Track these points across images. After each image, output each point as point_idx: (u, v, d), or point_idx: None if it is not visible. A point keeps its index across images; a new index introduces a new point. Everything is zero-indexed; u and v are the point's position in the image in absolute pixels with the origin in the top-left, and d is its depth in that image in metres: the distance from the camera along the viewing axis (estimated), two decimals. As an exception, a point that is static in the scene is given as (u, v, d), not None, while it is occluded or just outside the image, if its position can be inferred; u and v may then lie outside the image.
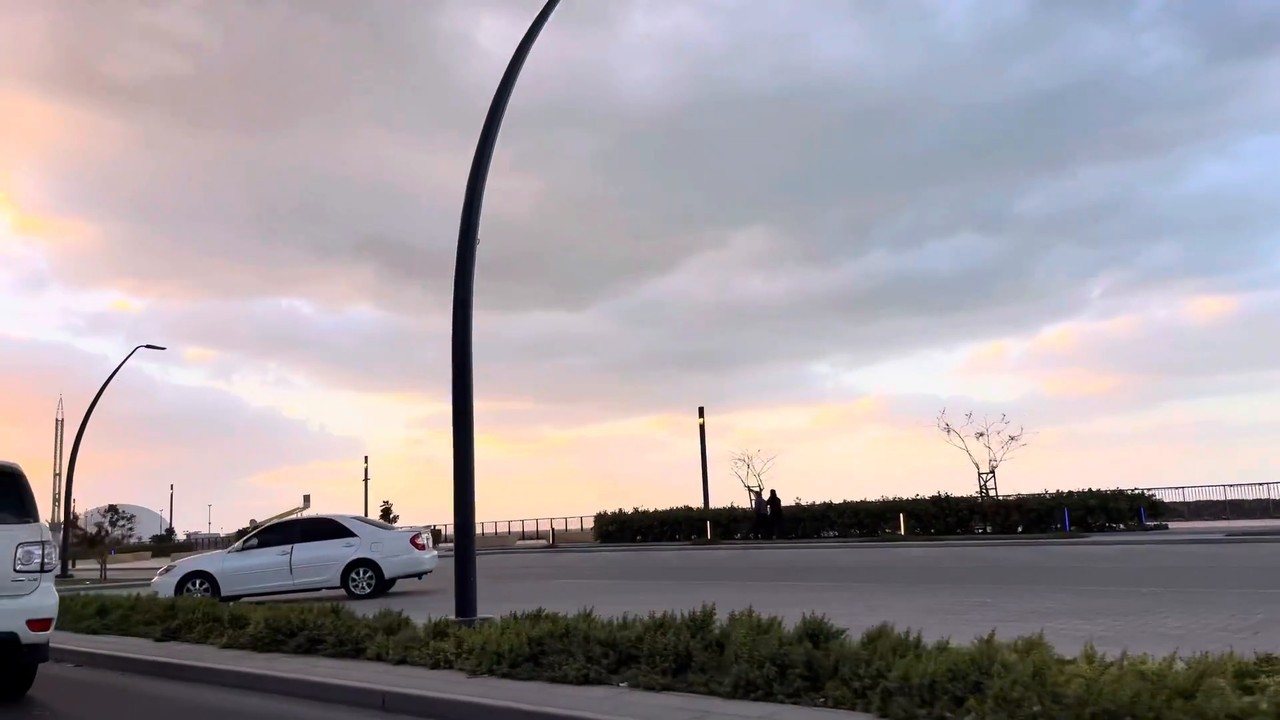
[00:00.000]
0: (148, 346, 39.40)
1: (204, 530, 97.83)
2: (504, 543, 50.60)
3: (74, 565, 35.78)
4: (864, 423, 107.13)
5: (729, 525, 36.56)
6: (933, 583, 14.82)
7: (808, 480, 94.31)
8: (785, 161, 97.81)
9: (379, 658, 8.59)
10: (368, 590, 17.04)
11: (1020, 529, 29.50)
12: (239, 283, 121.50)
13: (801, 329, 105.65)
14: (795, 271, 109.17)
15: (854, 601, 11.37)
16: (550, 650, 7.42)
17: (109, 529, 29.10)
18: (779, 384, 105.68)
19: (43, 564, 7.81)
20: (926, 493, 32.33)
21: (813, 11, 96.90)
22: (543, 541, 47.70)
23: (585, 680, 6.88)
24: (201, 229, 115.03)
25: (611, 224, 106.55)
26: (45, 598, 7.83)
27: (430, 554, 17.94)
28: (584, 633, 7.49)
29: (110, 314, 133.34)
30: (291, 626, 9.78)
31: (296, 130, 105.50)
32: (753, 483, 37.63)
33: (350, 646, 9.00)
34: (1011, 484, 38.71)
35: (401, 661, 8.36)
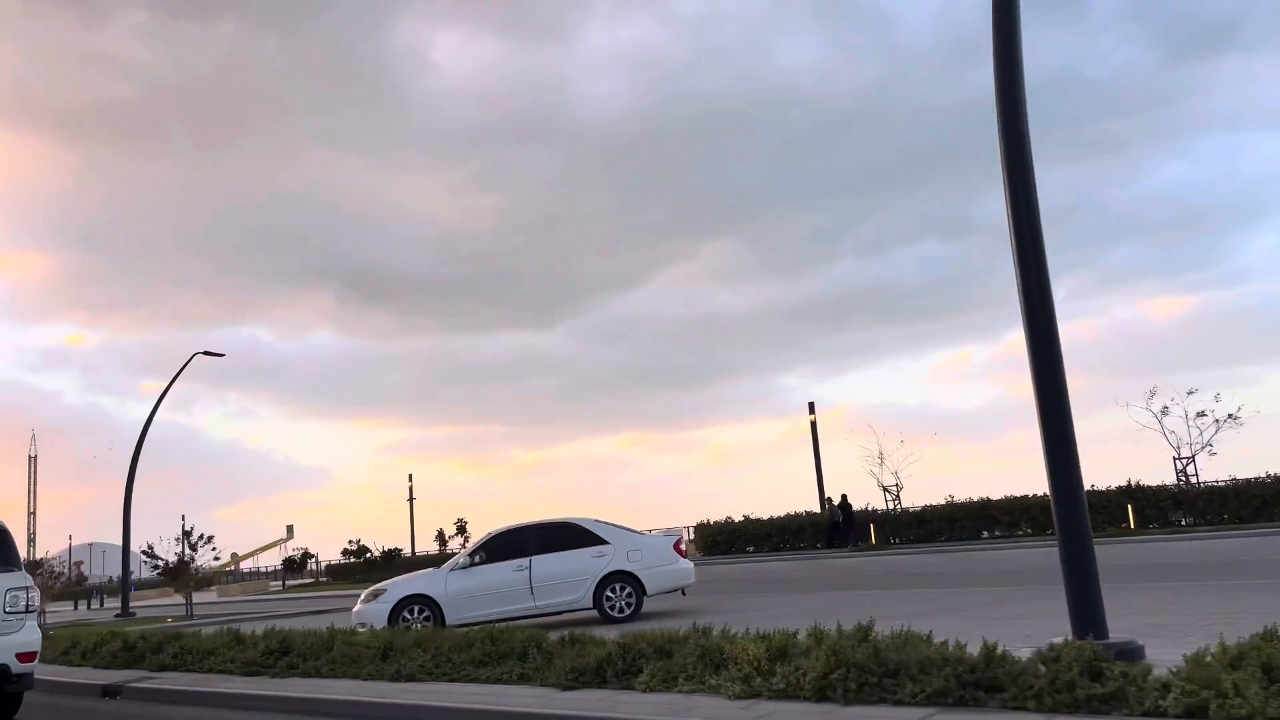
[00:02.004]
0: (205, 354, 35.78)
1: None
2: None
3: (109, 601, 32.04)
4: (834, 434, 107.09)
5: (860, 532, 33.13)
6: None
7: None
8: (750, 172, 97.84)
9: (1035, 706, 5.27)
10: (627, 611, 13.63)
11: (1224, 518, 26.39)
12: (196, 312, 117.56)
13: (770, 341, 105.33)
14: (763, 283, 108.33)
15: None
16: None
17: (192, 554, 25.37)
18: (749, 398, 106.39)
19: (27, 606, 9.00)
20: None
21: (773, 21, 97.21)
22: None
23: None
24: (155, 257, 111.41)
25: (576, 240, 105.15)
26: (30, 634, 9.05)
27: (690, 563, 14.45)
28: None
29: (63, 349, 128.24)
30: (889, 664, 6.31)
31: (249, 153, 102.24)
32: (889, 482, 34.28)
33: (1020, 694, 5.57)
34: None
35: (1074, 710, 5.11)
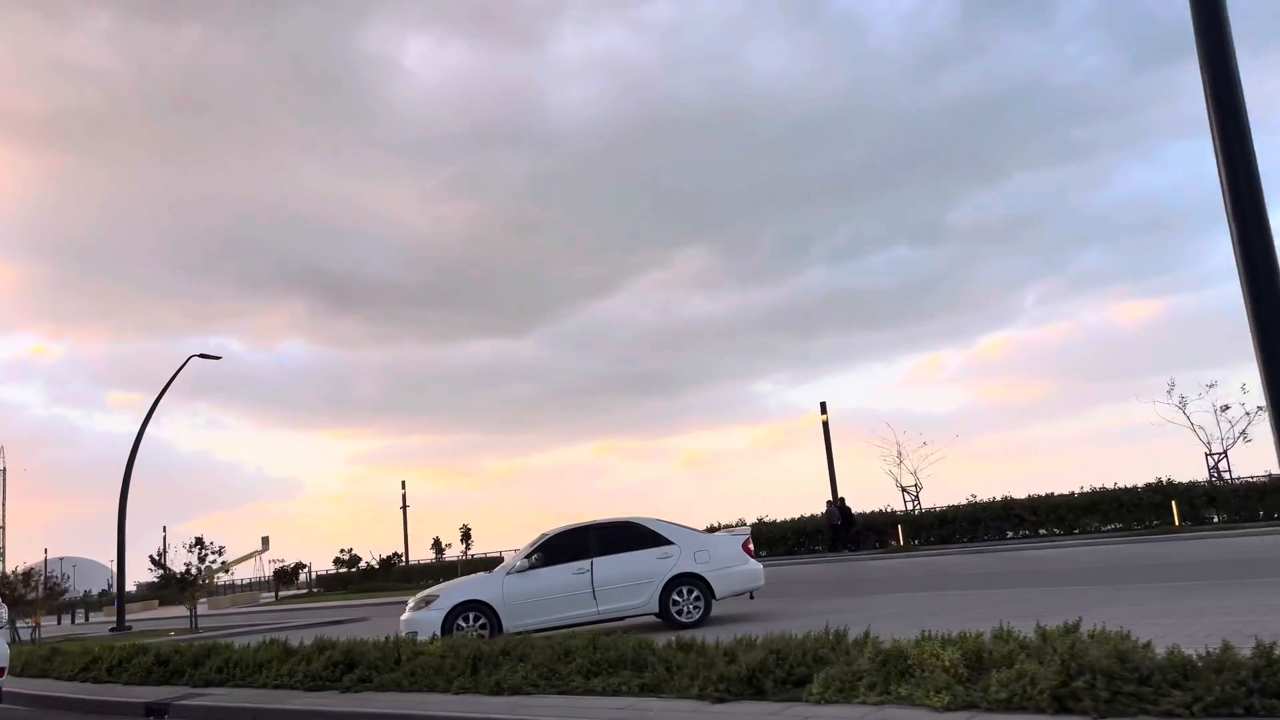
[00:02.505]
0: (201, 356, 34.64)
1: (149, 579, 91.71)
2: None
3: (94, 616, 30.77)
4: (807, 440, 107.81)
5: (882, 530, 32.40)
6: None
7: (755, 495, 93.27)
8: (722, 179, 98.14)
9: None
10: (695, 616, 12.76)
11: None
12: (163, 322, 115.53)
13: (744, 347, 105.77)
14: (736, 290, 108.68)
15: None
16: None
17: (199, 566, 24.19)
18: (722, 404, 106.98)
19: None
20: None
21: (745, 27, 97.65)
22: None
23: None
24: (121, 267, 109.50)
25: (549, 247, 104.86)
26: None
27: (759, 565, 13.61)
28: None
29: (27, 360, 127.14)
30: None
31: (217, 160, 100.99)
32: (908, 482, 33.56)
33: None
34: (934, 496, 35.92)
35: None
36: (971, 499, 31.18)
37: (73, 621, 49.45)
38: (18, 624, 28.43)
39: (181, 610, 42.32)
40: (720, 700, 6.44)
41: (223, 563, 27.07)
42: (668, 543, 13.09)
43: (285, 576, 52.42)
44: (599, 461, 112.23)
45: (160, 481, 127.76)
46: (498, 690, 7.85)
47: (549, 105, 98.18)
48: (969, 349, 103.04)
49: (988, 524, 30.11)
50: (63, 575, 26.55)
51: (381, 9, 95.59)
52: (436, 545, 51.99)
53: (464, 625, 12.45)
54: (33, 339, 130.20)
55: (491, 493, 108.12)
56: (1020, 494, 30.04)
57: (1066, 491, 29.21)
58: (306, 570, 54.31)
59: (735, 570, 13.08)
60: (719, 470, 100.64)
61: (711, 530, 16.36)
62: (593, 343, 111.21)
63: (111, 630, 29.72)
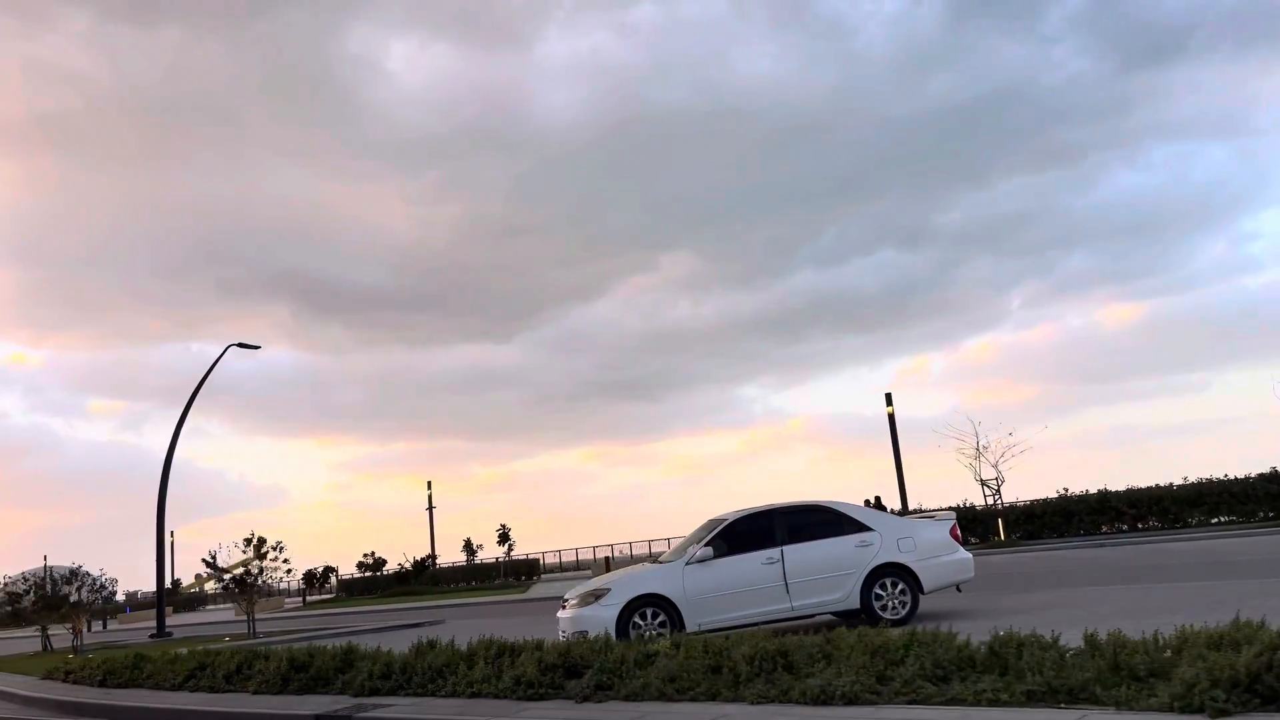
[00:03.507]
0: (240, 345, 32.94)
1: (148, 588, 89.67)
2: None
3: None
4: (794, 443, 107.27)
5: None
6: None
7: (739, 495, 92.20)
8: (709, 182, 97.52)
9: None
10: (901, 612, 11.14)
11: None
12: (144, 328, 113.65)
13: (730, 352, 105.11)
14: (722, 294, 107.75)
15: None
16: None
17: (257, 568, 22.49)
18: (709, 409, 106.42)
19: None
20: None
21: (731, 30, 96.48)
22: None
23: None
24: (101, 272, 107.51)
25: (535, 251, 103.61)
26: None
27: (969, 554, 11.97)
28: None
29: (6, 368, 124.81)
30: None
31: (198, 164, 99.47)
32: (989, 477, 31.90)
33: None
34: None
35: None
36: (1062, 492, 29.63)
37: (88, 629, 47.47)
38: (49, 631, 26.69)
39: (200, 616, 40.57)
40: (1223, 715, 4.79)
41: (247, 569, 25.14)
42: (866, 529, 11.45)
43: (313, 581, 50.53)
44: (585, 467, 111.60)
45: (142, 490, 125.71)
46: (823, 699, 6.19)
47: (534, 108, 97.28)
48: (955, 352, 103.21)
49: (1082, 517, 28.54)
50: (108, 577, 24.74)
51: (364, 10, 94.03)
52: (468, 547, 50.32)
53: (641, 623, 10.82)
54: (12, 346, 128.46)
55: (477, 499, 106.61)
56: (1117, 486, 28.50)
57: (1166, 483, 27.67)
58: (335, 574, 52.47)
59: (944, 560, 11.45)
60: (705, 475, 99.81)
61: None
62: (579, 348, 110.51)
63: (152, 637, 27.95)
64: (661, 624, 10.81)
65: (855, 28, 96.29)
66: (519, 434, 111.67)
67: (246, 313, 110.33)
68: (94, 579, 24.39)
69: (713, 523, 11.80)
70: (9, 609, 29.80)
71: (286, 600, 53.47)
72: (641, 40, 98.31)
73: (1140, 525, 27.74)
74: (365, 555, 53.90)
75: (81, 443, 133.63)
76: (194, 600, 71.88)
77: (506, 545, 44.21)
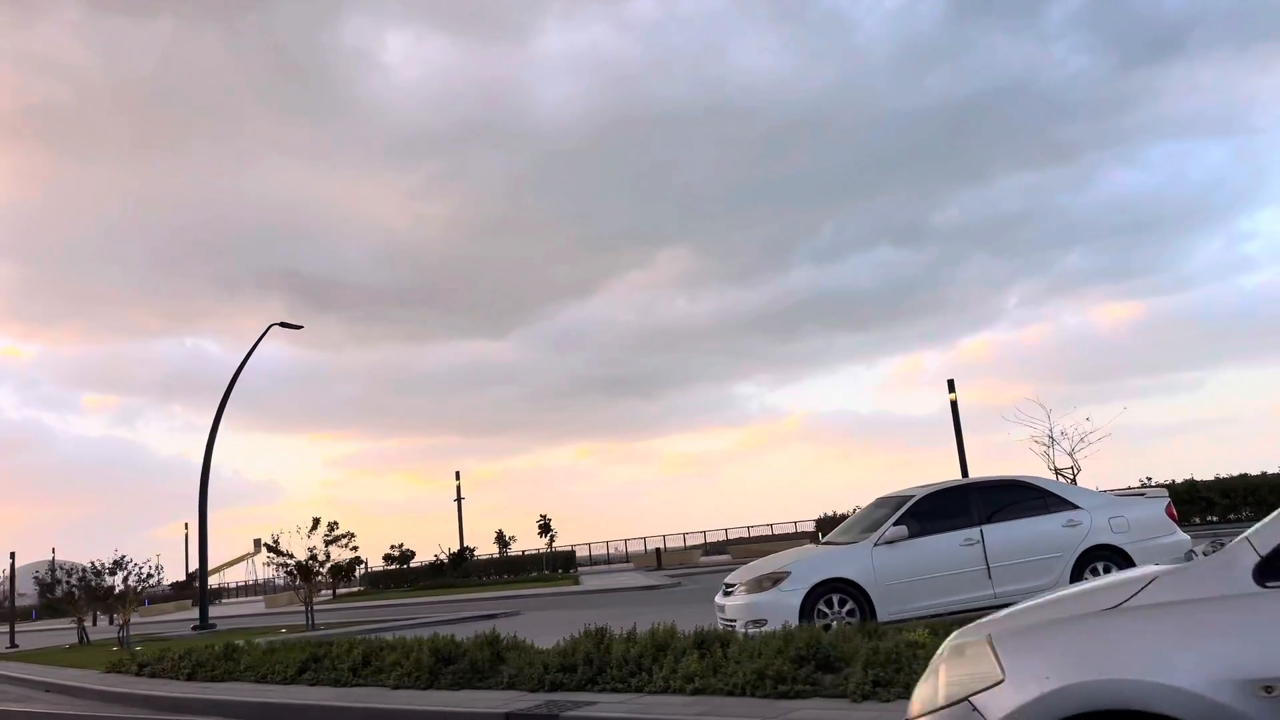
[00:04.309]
0: (282, 325, 31.72)
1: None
2: (684, 559, 42.67)
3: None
4: (789, 442, 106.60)
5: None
6: None
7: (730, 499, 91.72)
8: (706, 178, 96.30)
9: None
10: (1117, 600, 9.67)
11: None
12: (138, 323, 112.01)
13: (726, 349, 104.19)
14: (719, 291, 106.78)
15: None
16: None
17: (324, 554, 21.27)
18: (705, 407, 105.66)
19: None
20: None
21: (730, 24, 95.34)
22: (725, 557, 40.36)
23: None
24: (94, 267, 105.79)
25: (530, 247, 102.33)
26: None
27: (1186, 535, 10.65)
28: None
29: None
30: None
31: (191, 157, 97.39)
32: (1064, 465, 30.45)
33: None
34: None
35: None
36: (1145, 481, 28.24)
37: (110, 622, 46.16)
38: (85, 623, 25.44)
39: (225, 610, 39.38)
40: None
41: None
42: (1073, 507, 10.14)
43: (340, 573, 49.10)
44: (579, 464, 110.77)
45: (137, 485, 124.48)
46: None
47: (531, 102, 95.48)
48: (950, 350, 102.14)
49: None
50: (155, 565, 23.39)
51: (358, 2, 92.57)
52: (500, 539, 48.97)
53: (827, 611, 9.51)
54: (3, 341, 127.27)
55: (471, 496, 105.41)
56: (1205, 475, 27.19)
57: (1258, 472, 26.35)
58: (365, 565, 51.10)
59: (1162, 542, 10.10)
60: (701, 473, 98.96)
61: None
62: (574, 344, 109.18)
63: (194, 629, 26.68)
64: (850, 612, 9.53)
65: (855, 23, 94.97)
66: (512, 431, 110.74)
67: (240, 307, 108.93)
68: (138, 566, 23.04)
69: (893, 499, 10.50)
70: (41, 600, 28.59)
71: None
72: (640, 34, 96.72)
73: (1232, 516, 26.44)
74: (392, 547, 52.62)
75: (75, 438, 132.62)
76: (213, 594, 70.68)
77: (548, 537, 42.71)
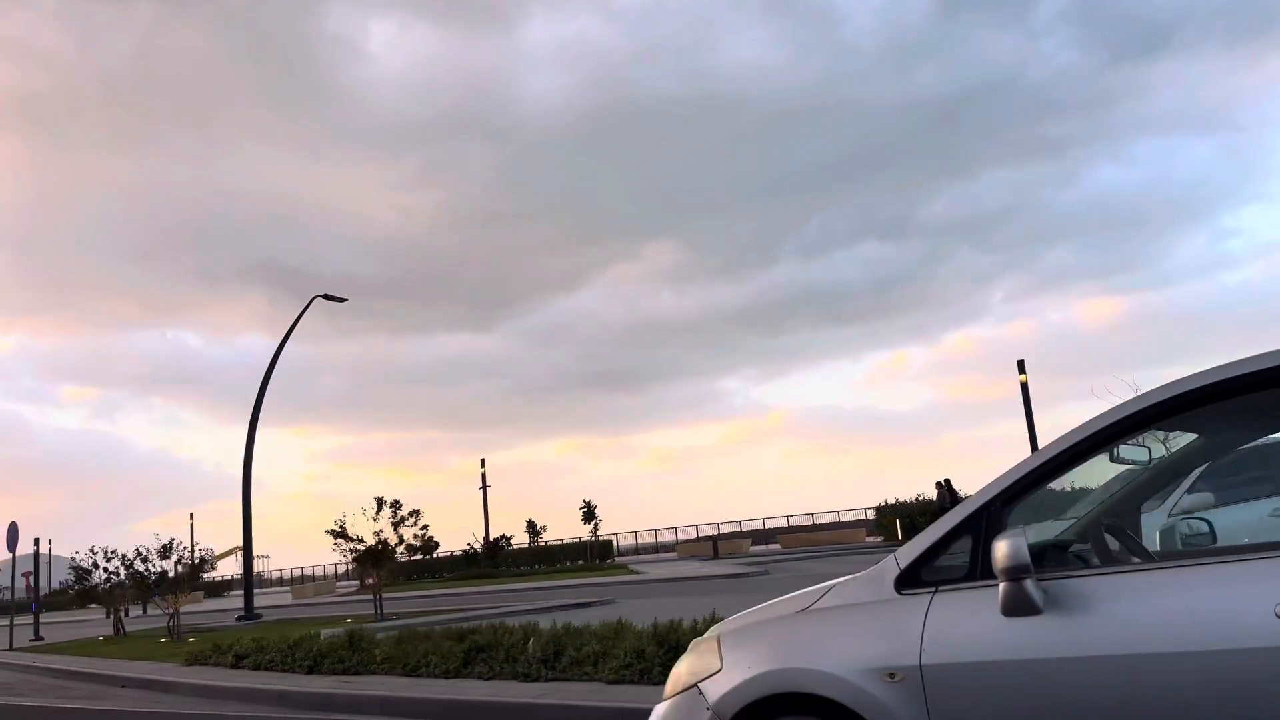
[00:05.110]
0: (326, 297, 30.14)
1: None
2: (735, 549, 41.12)
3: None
4: (773, 437, 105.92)
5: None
6: None
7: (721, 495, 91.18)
8: (693, 171, 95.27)
9: None
10: None
11: None
12: (118, 314, 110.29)
13: (711, 344, 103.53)
14: (705, 285, 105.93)
15: None
16: None
17: (396, 537, 19.73)
18: (690, 401, 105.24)
19: None
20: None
21: (717, 16, 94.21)
22: (775, 546, 38.89)
23: None
24: (73, 257, 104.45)
25: (516, 240, 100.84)
26: None
27: None
28: None
29: None
30: None
31: (172, 147, 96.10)
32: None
33: None
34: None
35: None
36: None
37: (127, 614, 44.45)
38: (122, 611, 23.93)
39: (236, 602, 37.92)
40: None
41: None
42: None
43: (416, 554, 47.75)
44: (564, 459, 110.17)
45: (118, 478, 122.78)
46: None
47: (517, 93, 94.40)
48: (935, 345, 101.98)
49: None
50: (208, 551, 21.87)
51: None
52: (531, 528, 47.48)
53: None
54: None
55: (454, 490, 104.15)
56: None
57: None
58: (395, 554, 49.68)
59: None
60: (686, 467, 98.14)
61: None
62: (559, 338, 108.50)
63: (240, 619, 25.10)
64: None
65: (844, 16, 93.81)
66: (497, 425, 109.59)
67: (223, 299, 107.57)
68: (188, 550, 21.48)
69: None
70: (76, 587, 27.03)
71: (339, 584, 50.62)
72: (627, 25, 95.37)
73: None
74: (415, 536, 50.99)
75: (54, 430, 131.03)
76: (220, 587, 69.21)
77: (592, 524, 41.06)
